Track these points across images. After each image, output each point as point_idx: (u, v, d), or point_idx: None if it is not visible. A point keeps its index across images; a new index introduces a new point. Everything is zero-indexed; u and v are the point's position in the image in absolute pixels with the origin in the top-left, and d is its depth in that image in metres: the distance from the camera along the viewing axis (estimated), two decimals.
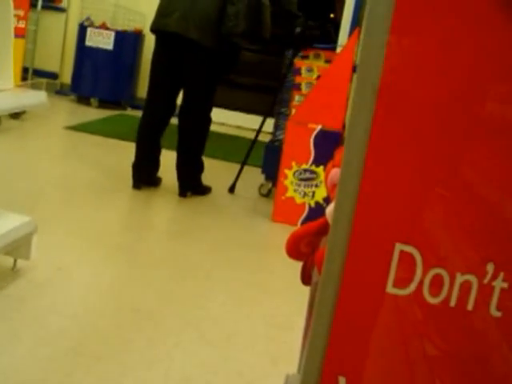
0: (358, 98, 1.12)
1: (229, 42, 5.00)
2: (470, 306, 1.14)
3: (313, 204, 4.94)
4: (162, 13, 5.09)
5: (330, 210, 1.46)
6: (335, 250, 1.13)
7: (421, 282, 1.13)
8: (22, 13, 6.16)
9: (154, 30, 5.16)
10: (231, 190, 5.63)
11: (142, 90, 8.43)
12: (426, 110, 1.12)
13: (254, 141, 5.62)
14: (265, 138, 5.87)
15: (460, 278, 1.14)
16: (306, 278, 1.65)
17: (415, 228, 1.13)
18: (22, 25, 6.24)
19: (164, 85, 5.18)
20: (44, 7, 8.68)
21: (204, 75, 5.09)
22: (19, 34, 5.98)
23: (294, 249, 1.63)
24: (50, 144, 6.53)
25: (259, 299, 3.63)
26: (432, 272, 1.14)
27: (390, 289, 1.14)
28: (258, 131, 5.59)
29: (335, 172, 1.51)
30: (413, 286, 1.14)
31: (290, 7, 5.12)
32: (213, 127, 5.48)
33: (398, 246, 1.13)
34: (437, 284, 1.14)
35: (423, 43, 1.11)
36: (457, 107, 1.11)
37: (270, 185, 5.61)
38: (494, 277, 1.14)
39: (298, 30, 5.28)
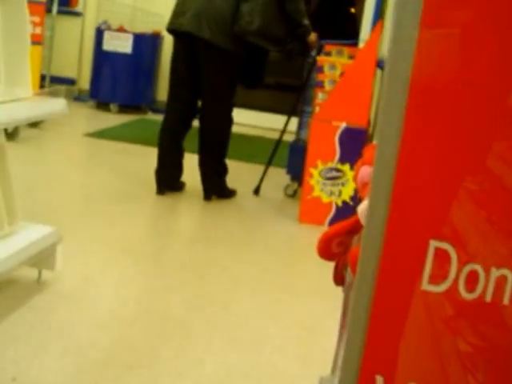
0: (389, 93, 1.14)
1: (249, 44, 5.03)
2: (506, 301, 1.15)
3: (340, 203, 4.95)
4: (176, 12, 5.15)
5: (361, 208, 1.47)
6: (369, 249, 1.14)
7: (456, 279, 1.14)
8: (37, 19, 6.21)
9: (169, 29, 5.22)
10: (256, 191, 5.65)
11: (162, 93, 8.47)
12: (457, 103, 1.13)
13: (279, 141, 5.64)
14: (289, 137, 5.88)
15: (495, 273, 1.14)
16: (338, 279, 1.67)
17: (449, 224, 1.14)
18: (38, 31, 6.29)
19: (184, 87, 5.21)
20: (59, 12, 8.72)
21: (221, 76, 5.12)
22: (36, 40, 6.03)
23: (326, 249, 1.64)
24: (70, 152, 6.58)
25: (289, 302, 3.65)
26: (467, 268, 1.15)
27: (426, 286, 1.15)
28: (283, 131, 5.60)
29: (365, 170, 1.52)
30: (448, 283, 1.15)
31: (296, 16, 5.12)
32: (235, 128, 5.51)
33: (433, 243, 1.14)
34: (472, 280, 1.15)
35: (453, 35, 1.12)
36: (487, 99, 1.12)
37: (295, 185, 5.62)
38: None
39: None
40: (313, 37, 5.33)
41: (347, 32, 10.99)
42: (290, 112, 5.67)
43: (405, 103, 1.12)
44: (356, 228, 1.54)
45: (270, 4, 5.02)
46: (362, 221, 1.43)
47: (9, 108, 3.01)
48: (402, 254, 1.14)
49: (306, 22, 5.21)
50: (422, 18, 1.10)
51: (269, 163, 5.66)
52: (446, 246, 1.14)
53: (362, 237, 1.15)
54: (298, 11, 5.12)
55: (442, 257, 1.14)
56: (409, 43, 1.11)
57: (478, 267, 1.14)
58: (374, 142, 1.19)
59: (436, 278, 1.15)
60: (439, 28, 1.12)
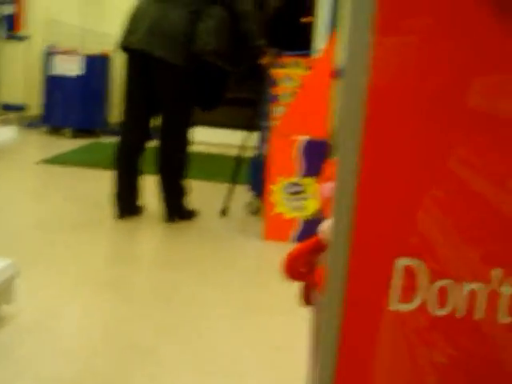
0: (345, 103, 1.15)
1: (205, 63, 5.05)
2: (478, 315, 1.16)
3: (305, 217, 4.96)
4: (128, 30, 5.14)
5: (324, 226, 1.48)
6: (335, 269, 1.15)
7: (426, 295, 1.15)
8: None
9: (120, 47, 5.21)
10: (223, 212, 5.61)
11: (115, 114, 8.45)
12: (415, 111, 1.15)
13: (240, 158, 5.63)
14: (251, 153, 5.90)
15: (467, 287, 1.16)
16: (306, 299, 1.68)
17: (416, 239, 1.15)
18: None
19: (138, 106, 5.21)
20: (5, 37, 8.68)
21: (175, 93, 5.11)
22: None
23: (292, 270, 1.65)
24: (24, 180, 6.53)
25: (260, 322, 3.65)
26: (437, 284, 1.15)
27: (395, 305, 1.16)
28: (242, 148, 5.61)
29: (327, 187, 1.53)
30: (418, 301, 1.16)
31: (249, 36, 5.13)
32: (195, 147, 5.50)
33: (400, 260, 1.15)
34: (443, 295, 1.16)
35: (409, 41, 1.14)
36: (446, 105, 1.14)
37: (258, 202, 5.62)
38: (501, 282, 1.16)
39: None
40: (268, 59, 5.32)
41: (300, 42, 11.06)
42: (247, 128, 5.68)
43: (362, 113, 1.14)
44: (320, 247, 1.55)
45: (226, 23, 5.03)
46: (325, 239, 1.44)
47: None
48: (370, 272, 1.16)
49: (261, 42, 5.22)
50: (377, 24, 1.12)
51: (233, 181, 5.64)
52: (413, 262, 1.15)
53: (327, 256, 1.16)
54: (251, 31, 5.13)
55: (410, 274, 1.15)
56: (364, 50, 1.12)
57: (448, 282, 1.15)
58: (334, 157, 1.20)
59: (405, 297, 1.16)
60: (394, 35, 1.13)
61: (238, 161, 5.65)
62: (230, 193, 5.64)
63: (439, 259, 1.16)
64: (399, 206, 1.16)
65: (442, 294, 1.15)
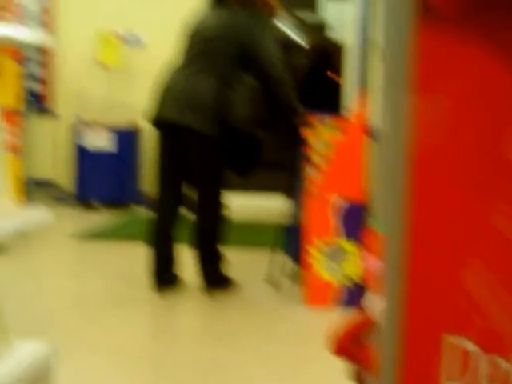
0: (386, 169, 1.12)
1: (238, 131, 5.08)
2: None
3: (343, 280, 4.92)
4: (158, 102, 5.20)
5: (370, 302, 1.45)
6: (387, 352, 1.12)
7: (476, 372, 1.12)
8: (13, 127, 6.25)
9: (150, 120, 5.25)
10: (268, 281, 5.58)
11: (146, 185, 8.50)
12: (458, 170, 1.13)
13: (279, 223, 5.59)
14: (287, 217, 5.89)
15: None
16: (358, 379, 1.64)
17: (466, 316, 1.12)
18: (14, 139, 6.32)
19: (170, 177, 5.25)
20: (33, 113, 8.81)
21: (209, 164, 5.16)
22: (12, 148, 6.04)
23: (339, 347, 1.62)
24: (58, 257, 6.56)
25: None
26: (487, 360, 1.12)
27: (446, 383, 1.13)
28: (281, 213, 5.58)
29: (370, 260, 1.50)
30: (468, 377, 1.12)
31: (285, 100, 5.18)
32: (230, 214, 5.49)
33: (450, 337, 1.12)
34: (494, 372, 1.12)
35: (446, 101, 1.12)
36: (485, 161, 1.12)
37: (295, 266, 5.58)
38: None
39: None
40: (303, 121, 5.33)
41: (328, 100, 11.12)
42: (283, 191, 5.65)
43: (405, 178, 1.12)
44: (367, 322, 1.52)
45: (258, 91, 5.08)
46: (372, 316, 1.41)
47: None
48: (420, 352, 1.13)
49: (298, 106, 5.25)
50: (416, 84, 1.10)
51: (274, 248, 5.61)
52: (463, 340, 1.11)
53: (379, 339, 1.13)
54: (287, 96, 5.17)
55: (460, 351, 1.11)
56: (402, 109, 1.11)
57: (499, 359, 1.11)
58: (373, 223, 1.18)
59: (456, 374, 1.12)
60: (432, 94, 1.12)
61: (279, 226, 5.62)
62: (272, 260, 5.59)
63: (489, 336, 1.12)
64: (448, 281, 1.13)
65: (493, 369, 1.12)
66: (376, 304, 1.31)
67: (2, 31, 3.97)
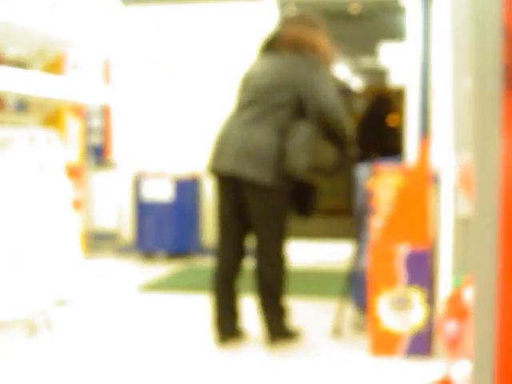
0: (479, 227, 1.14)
1: (296, 180, 5.14)
2: None
3: (410, 332, 4.90)
4: (215, 153, 5.24)
5: (458, 372, 1.45)
6: None
7: None
8: (76, 182, 6.39)
9: (209, 171, 5.32)
10: (336, 332, 5.55)
11: (208, 236, 8.58)
12: None
13: (348, 272, 5.60)
14: (342, 265, 5.90)
15: None
16: None
17: None
18: (77, 195, 6.45)
19: (231, 228, 5.27)
20: (93, 165, 8.98)
21: (268, 212, 5.17)
22: (77, 205, 6.13)
23: None
24: (120, 308, 6.60)
25: None
26: None
27: None
28: (348, 261, 5.58)
29: (452, 327, 1.51)
30: None
31: (340, 126, 5.23)
32: (292, 264, 5.51)
33: None
34: None
35: None
36: None
37: (362, 316, 5.58)
38: None
39: None
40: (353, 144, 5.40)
41: (389, 146, 11.17)
42: (346, 238, 5.65)
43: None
44: None
45: (315, 135, 5.11)
46: None
47: (58, 280, 3.09)
48: None
49: (350, 128, 5.30)
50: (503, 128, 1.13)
51: (342, 297, 5.60)
52: None
53: None
54: (340, 120, 5.22)
55: None
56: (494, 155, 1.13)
57: None
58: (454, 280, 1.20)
59: None
60: None
61: (344, 275, 5.61)
62: (341, 310, 5.56)
63: None
64: None
65: None
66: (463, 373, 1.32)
67: (69, 93, 4.11)
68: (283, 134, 5.07)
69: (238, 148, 5.07)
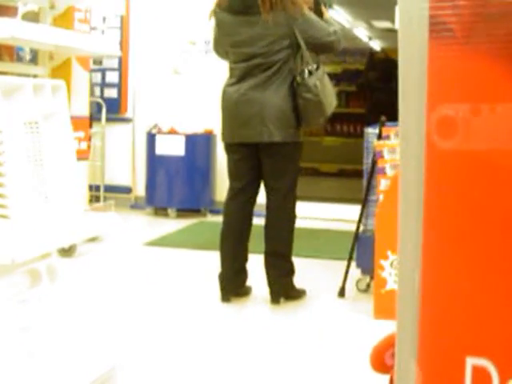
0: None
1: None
2: None
3: None
4: (235, 124, 5.20)
5: None
6: (404, 370, 1.13)
7: None
8: (82, 134, 6.37)
9: (231, 142, 5.30)
10: (341, 293, 5.53)
11: (220, 193, 8.56)
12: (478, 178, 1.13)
13: (356, 234, 5.57)
14: (350, 226, 5.86)
15: None
16: None
17: (486, 338, 1.11)
18: (83, 146, 6.44)
19: (244, 184, 5.28)
20: (109, 120, 8.96)
21: (287, 168, 5.20)
22: (81, 156, 6.13)
23: (378, 362, 1.61)
24: (129, 263, 6.62)
25: None
26: None
27: None
28: (358, 224, 5.53)
29: None
30: None
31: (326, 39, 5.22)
32: (299, 222, 5.50)
33: (470, 359, 1.11)
34: None
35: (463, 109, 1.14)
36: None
37: (367, 278, 5.55)
38: None
39: None
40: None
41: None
42: (362, 201, 5.57)
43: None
44: None
45: (322, 84, 5.09)
46: None
47: (59, 228, 3.07)
48: (440, 373, 1.12)
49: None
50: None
51: (349, 260, 5.55)
52: (484, 362, 1.10)
53: (395, 356, 1.14)
54: (333, 40, 5.22)
55: (481, 374, 1.11)
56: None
57: None
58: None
59: None
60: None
61: (355, 237, 5.58)
62: (347, 272, 5.53)
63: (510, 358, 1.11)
64: (467, 301, 1.13)
65: None
66: None
67: (73, 41, 4.09)
68: (295, 90, 5.05)
69: (259, 114, 5.04)
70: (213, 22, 5.30)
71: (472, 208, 1.14)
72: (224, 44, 5.29)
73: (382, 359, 1.61)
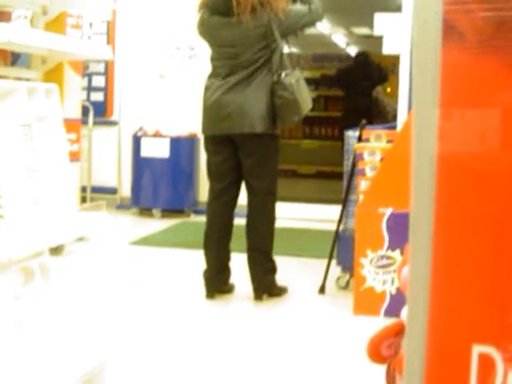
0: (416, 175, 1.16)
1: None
2: None
3: (394, 291, 4.92)
4: (216, 118, 5.21)
5: (404, 311, 1.48)
6: (413, 356, 1.15)
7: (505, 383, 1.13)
8: (74, 136, 6.39)
9: (211, 135, 5.31)
10: (321, 290, 5.55)
11: (204, 194, 8.57)
12: (490, 180, 1.15)
13: (337, 232, 5.61)
14: (330, 226, 5.90)
15: None
16: (390, 382, 1.67)
17: (493, 325, 1.13)
18: (75, 148, 6.46)
19: (224, 183, 5.31)
20: (95, 123, 8.97)
21: (264, 161, 5.21)
22: (74, 157, 6.14)
23: (375, 352, 1.65)
24: (114, 263, 6.63)
25: None
26: None
27: None
28: (339, 223, 5.57)
29: (405, 271, 1.54)
30: None
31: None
32: (280, 222, 5.53)
33: (477, 347, 1.13)
34: None
35: (475, 114, 1.16)
36: None
37: (347, 276, 5.59)
38: None
39: None
40: None
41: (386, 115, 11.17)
42: (342, 201, 5.60)
43: (434, 186, 1.14)
44: (403, 329, 1.55)
45: (299, 84, 5.13)
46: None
47: (52, 227, 3.08)
48: (447, 360, 1.14)
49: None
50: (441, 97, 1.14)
51: (330, 258, 5.59)
52: (490, 349, 1.13)
53: (404, 344, 1.16)
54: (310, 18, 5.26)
55: (487, 361, 1.13)
56: (431, 122, 1.15)
57: None
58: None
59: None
60: (458, 107, 1.16)
61: (336, 236, 5.63)
62: (328, 270, 5.56)
63: None
64: (475, 290, 1.14)
65: None
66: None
67: (66, 46, 4.11)
68: (272, 88, 5.09)
69: (234, 110, 5.07)
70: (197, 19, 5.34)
71: (482, 203, 1.15)
72: (207, 41, 5.37)
73: (378, 350, 1.65)
